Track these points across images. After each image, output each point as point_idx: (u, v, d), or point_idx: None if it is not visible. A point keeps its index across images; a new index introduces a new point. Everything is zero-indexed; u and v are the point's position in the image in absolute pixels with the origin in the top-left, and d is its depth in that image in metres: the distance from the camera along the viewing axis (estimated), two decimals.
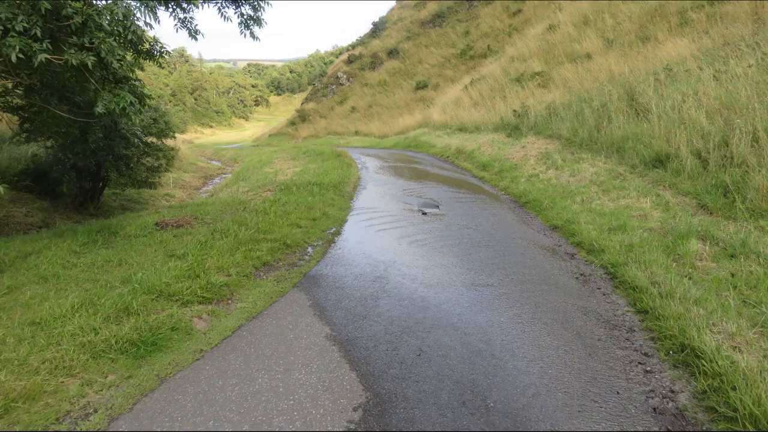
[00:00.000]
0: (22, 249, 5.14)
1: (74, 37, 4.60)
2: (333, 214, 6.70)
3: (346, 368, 2.86)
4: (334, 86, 38.34)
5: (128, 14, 4.80)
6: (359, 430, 2.33)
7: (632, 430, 2.31)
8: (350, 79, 37.16)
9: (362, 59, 38.02)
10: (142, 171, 10.23)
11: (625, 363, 2.88)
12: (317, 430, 2.33)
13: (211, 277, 4.04)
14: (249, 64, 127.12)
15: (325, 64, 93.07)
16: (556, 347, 3.05)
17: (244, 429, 2.34)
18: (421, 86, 29.36)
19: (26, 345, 2.88)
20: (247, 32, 6.83)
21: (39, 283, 4.09)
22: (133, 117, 5.09)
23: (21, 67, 4.72)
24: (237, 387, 2.68)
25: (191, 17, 6.45)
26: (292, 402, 2.54)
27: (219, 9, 6.57)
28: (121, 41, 5.04)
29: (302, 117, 37.20)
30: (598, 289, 3.99)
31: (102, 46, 4.54)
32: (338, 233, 5.84)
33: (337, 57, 65.47)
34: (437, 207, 7.11)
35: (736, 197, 4.77)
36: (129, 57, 6.18)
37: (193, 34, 6.43)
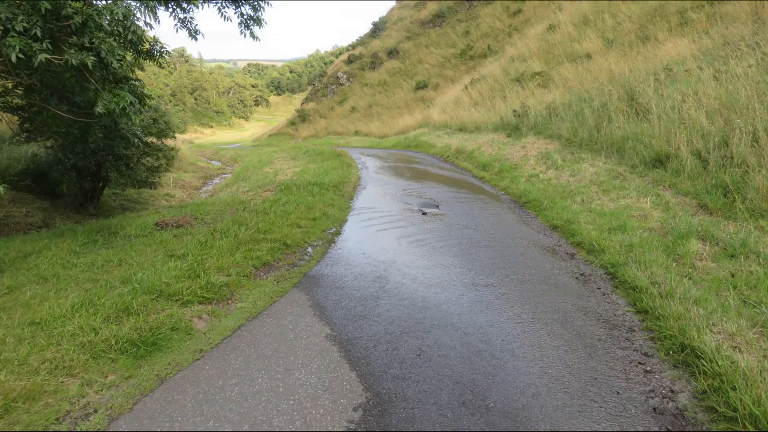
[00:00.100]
0: (22, 249, 5.14)
1: (74, 37, 4.60)
2: (333, 214, 6.70)
3: (346, 368, 2.86)
4: (334, 86, 38.34)
5: (128, 14, 4.81)
6: (359, 430, 2.33)
7: (632, 430, 2.31)
8: (350, 79, 37.16)
9: (362, 59, 38.02)
10: (142, 171, 10.23)
11: (625, 363, 2.88)
12: (317, 430, 2.33)
13: (211, 277, 4.04)
14: (249, 64, 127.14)
15: (325, 64, 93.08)
16: (556, 347, 3.05)
17: (244, 429, 2.34)
18: (421, 86, 29.36)
19: (26, 345, 2.88)
20: (247, 32, 6.83)
21: (39, 283, 4.09)
22: (133, 117, 5.09)
23: (21, 67, 4.72)
24: (237, 387, 2.68)
25: (191, 17, 6.46)
26: (292, 402, 2.54)
27: (219, 9, 6.57)
28: (121, 41, 5.04)
29: (302, 117, 37.21)
30: (598, 289, 3.99)
31: (102, 46, 4.54)
32: (338, 233, 5.84)
33: (337, 57, 65.48)
34: (437, 207, 7.11)
35: (736, 197, 4.77)
36: (129, 57, 6.18)
37: (193, 34, 6.43)
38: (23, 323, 3.19)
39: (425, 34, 34.93)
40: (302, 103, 42.18)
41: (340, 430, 2.33)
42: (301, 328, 3.39)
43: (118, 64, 4.87)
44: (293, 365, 2.89)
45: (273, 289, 4.12)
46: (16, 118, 7.28)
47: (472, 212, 6.71)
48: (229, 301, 3.88)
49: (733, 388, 2.38)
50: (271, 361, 2.94)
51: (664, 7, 11.88)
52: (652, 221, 5.06)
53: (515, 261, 4.68)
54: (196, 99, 69.18)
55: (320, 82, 43.52)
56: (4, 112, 6.78)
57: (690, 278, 3.70)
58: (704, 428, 2.31)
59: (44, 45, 4.32)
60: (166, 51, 6.64)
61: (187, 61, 79.81)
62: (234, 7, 6.60)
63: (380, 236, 5.65)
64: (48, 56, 4.32)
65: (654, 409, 2.46)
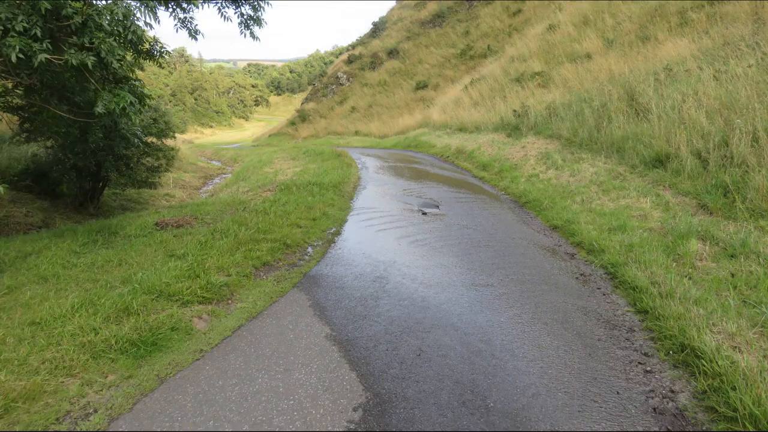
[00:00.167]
0: (22, 249, 5.14)
1: (74, 37, 4.60)
2: (333, 214, 6.70)
3: (346, 368, 2.86)
4: (334, 86, 38.34)
5: (128, 14, 4.81)
6: (359, 430, 2.33)
7: (632, 430, 2.31)
8: (350, 79, 37.16)
9: (362, 59, 38.02)
10: (142, 171, 10.23)
11: (625, 363, 2.88)
12: (317, 430, 2.33)
13: (211, 277, 4.04)
14: (249, 64, 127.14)
15: (325, 64, 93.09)
16: (556, 347, 3.05)
17: (244, 429, 2.34)
18: (421, 86, 29.36)
19: (26, 345, 2.88)
20: (247, 32, 6.83)
21: (39, 283, 4.09)
22: (133, 117, 5.09)
23: (21, 67, 4.72)
24: (237, 387, 2.68)
25: (191, 17, 6.46)
26: (292, 402, 2.54)
27: (219, 9, 6.57)
28: (121, 41, 5.04)
29: (302, 117, 37.21)
30: (598, 289, 3.99)
31: (102, 46, 4.54)
32: (338, 233, 5.84)
33: (337, 57, 65.48)
34: (437, 207, 7.11)
35: (736, 197, 4.77)
36: (129, 57, 6.18)
37: (193, 34, 6.43)
38: (23, 323, 3.19)
39: (425, 34, 34.93)
40: (302, 103, 42.18)
41: (340, 430, 2.33)
42: (301, 328, 3.39)
43: (118, 64, 4.87)
44: (293, 365, 2.89)
45: (273, 289, 4.12)
46: (16, 118, 7.28)
47: (472, 212, 6.71)
48: (229, 301, 3.88)
49: (733, 388, 2.38)
50: (271, 361, 2.94)
51: (664, 7, 11.88)
52: (652, 221, 5.06)
53: (515, 261, 4.68)
54: (196, 99, 69.18)
55: (320, 82, 43.52)
56: (4, 112, 6.78)
57: (690, 278, 3.70)
58: (704, 428, 2.31)
59: (44, 45, 4.32)
60: (166, 51, 6.64)
61: (187, 61, 79.82)
62: (234, 7, 6.60)
63: (380, 236, 5.65)
64: (48, 56, 4.32)
65: (654, 409, 2.46)
